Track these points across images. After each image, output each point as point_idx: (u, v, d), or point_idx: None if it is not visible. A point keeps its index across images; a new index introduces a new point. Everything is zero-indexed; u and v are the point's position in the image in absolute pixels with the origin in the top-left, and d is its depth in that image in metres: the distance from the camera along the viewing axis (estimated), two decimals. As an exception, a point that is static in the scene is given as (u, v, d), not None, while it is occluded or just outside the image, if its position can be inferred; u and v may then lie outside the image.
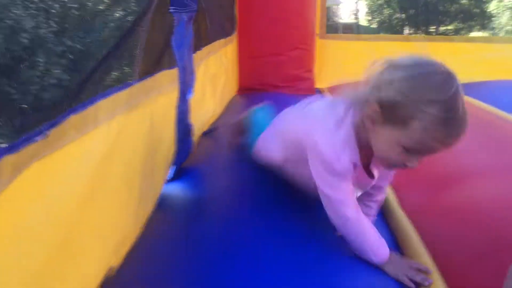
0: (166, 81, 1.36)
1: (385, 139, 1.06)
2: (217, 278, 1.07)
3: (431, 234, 1.42)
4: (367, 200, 1.33)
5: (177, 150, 1.51)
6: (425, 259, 1.32)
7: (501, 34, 11.92)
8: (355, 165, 1.13)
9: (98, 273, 1.02)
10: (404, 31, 14.55)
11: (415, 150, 1.03)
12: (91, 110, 0.94)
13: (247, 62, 3.53)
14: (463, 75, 3.63)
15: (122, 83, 1.10)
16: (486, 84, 3.33)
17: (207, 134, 2.25)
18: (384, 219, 1.62)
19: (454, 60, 3.72)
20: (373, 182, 1.25)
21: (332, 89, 3.86)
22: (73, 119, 0.87)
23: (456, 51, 3.68)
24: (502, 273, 0.99)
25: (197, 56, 1.86)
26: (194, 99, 1.83)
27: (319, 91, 3.85)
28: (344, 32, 12.87)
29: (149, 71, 1.25)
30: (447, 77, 1.01)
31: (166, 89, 1.37)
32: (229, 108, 2.99)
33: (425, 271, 1.14)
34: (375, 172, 1.22)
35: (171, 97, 1.43)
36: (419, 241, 1.42)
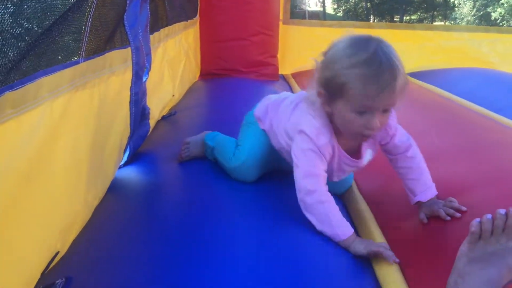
0: (118, 61, 1.31)
1: (340, 113, 1.18)
2: (169, 264, 1.04)
3: (385, 217, 1.44)
4: (404, 180, 1.35)
5: (131, 133, 1.46)
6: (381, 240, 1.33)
7: (463, 24, 12.21)
8: (333, 148, 1.25)
9: (41, 257, 0.97)
10: (369, 20, 14.69)
11: (362, 109, 1.13)
12: (31, 88, 0.88)
13: (210, 46, 3.47)
14: (424, 62, 3.70)
15: (67, 60, 1.05)
16: (445, 72, 3.39)
17: (166, 118, 2.20)
18: (344, 204, 1.63)
19: (415, 47, 3.78)
20: (363, 162, 1.34)
21: (296, 75, 3.85)
22: (10, 96, 0.81)
23: (418, 39, 3.73)
24: (452, 258, 1.00)
25: (154, 38, 1.80)
26: (151, 81, 1.78)
27: (283, 77, 3.84)
28: (310, 18, 12.88)
29: (98, 50, 1.19)
30: (366, 41, 1.14)
31: (118, 69, 1.31)
32: (190, 93, 2.94)
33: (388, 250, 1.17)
34: (366, 153, 1.33)
35: (124, 78, 1.37)
36: (375, 223, 1.43)
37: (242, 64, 3.47)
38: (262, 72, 3.52)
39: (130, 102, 1.36)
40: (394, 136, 1.33)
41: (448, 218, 1.23)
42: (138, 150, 1.68)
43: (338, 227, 1.19)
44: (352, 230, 1.20)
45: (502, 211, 0.92)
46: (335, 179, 1.36)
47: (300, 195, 1.22)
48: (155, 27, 1.81)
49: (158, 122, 2.13)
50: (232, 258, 1.04)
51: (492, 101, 2.51)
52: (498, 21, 11.89)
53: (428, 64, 3.64)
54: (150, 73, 1.69)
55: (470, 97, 2.63)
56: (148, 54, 1.58)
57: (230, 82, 3.27)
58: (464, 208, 1.23)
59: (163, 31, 1.98)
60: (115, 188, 1.43)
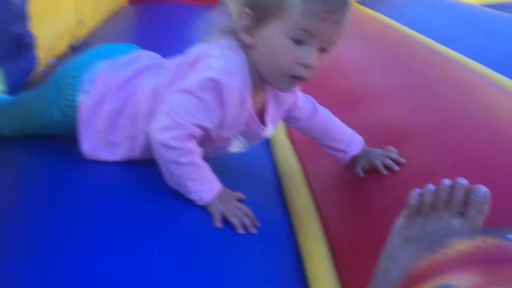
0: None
1: (269, 43, 0.91)
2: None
3: (315, 170, 1.26)
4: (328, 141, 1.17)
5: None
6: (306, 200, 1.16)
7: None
8: (242, 98, 0.95)
9: None
10: None
11: (302, 35, 0.87)
12: None
13: (139, -35, 3.08)
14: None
15: None
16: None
17: (76, 48, 1.89)
18: (269, 151, 1.45)
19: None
20: (266, 133, 1.07)
21: None
22: None
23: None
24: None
25: None
26: (40, 4, 1.46)
27: (224, 3, 3.50)
28: None
29: None
30: None
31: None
32: (113, 19, 2.60)
33: (252, 220, 0.96)
34: (269, 122, 1.06)
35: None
36: (302, 177, 1.26)
37: (177, -14, 3.12)
38: (201, -5, 3.18)
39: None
40: (297, 99, 1.13)
41: (385, 171, 1.05)
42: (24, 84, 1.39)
43: (196, 192, 0.94)
44: (213, 194, 0.95)
45: (448, 181, 0.73)
46: (233, 148, 1.08)
47: (156, 146, 0.92)
48: None
49: (65, 53, 1.82)
50: (105, 240, 0.82)
51: (440, 31, 2.34)
52: None
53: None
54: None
55: (418, 27, 2.44)
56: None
57: (163, 7, 2.95)
58: (402, 160, 1.06)
59: None
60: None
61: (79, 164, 1.05)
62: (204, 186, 0.94)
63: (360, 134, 1.15)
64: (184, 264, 0.81)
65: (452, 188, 0.73)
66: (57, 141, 1.12)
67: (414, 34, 2.37)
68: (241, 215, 0.93)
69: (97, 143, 1.04)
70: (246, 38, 0.93)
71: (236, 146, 1.08)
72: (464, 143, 1.08)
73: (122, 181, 1.00)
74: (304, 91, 1.33)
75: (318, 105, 1.17)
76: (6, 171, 1.05)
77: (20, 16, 1.25)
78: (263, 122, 1.04)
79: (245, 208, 0.95)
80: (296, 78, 0.92)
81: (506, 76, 1.74)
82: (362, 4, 3.29)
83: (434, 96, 1.35)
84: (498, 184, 0.89)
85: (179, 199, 0.95)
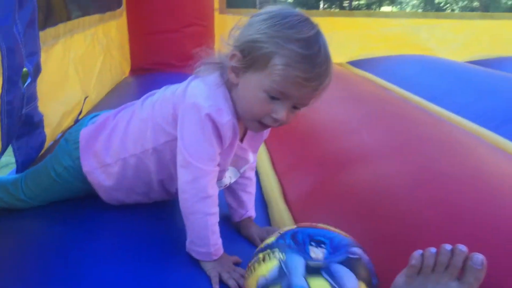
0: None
1: (248, 88, 0.98)
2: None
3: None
4: (241, 191, 1.24)
5: (3, 148, 1.23)
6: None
7: (408, 9, 12.33)
8: (234, 129, 1.02)
9: None
10: (319, 6, 14.61)
11: (278, 94, 0.95)
12: None
13: (139, 39, 3.26)
14: (365, 51, 3.59)
15: None
16: (383, 59, 3.32)
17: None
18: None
19: (356, 35, 3.63)
20: (250, 158, 1.16)
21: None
22: None
23: (358, 27, 3.63)
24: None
25: (48, 33, 1.58)
26: (47, 84, 1.57)
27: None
28: (261, 7, 12.61)
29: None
30: (307, 20, 0.96)
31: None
32: (116, 91, 2.72)
33: None
34: (247, 147, 1.15)
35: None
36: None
37: (176, 57, 3.26)
38: (198, 65, 3.33)
39: (0, 112, 1.15)
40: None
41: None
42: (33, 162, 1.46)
43: (214, 245, 1.01)
44: (219, 254, 1.02)
45: (448, 246, 0.78)
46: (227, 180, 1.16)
47: (190, 199, 0.99)
48: (47, 21, 1.59)
49: (69, 127, 1.91)
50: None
51: (427, 88, 2.45)
52: (441, 5, 12.08)
53: (369, 52, 3.57)
54: (44, 74, 1.47)
55: (406, 85, 2.57)
56: (35, 54, 1.37)
57: (162, 77, 3.05)
58: None
59: (62, 27, 1.75)
60: None
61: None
62: (219, 241, 1.02)
63: (347, 195, 1.22)
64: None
65: (452, 253, 0.77)
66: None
67: (403, 92, 2.48)
68: (237, 278, 0.98)
69: (94, 165, 1.16)
70: (232, 77, 1.00)
71: (228, 177, 1.15)
72: (453, 200, 1.12)
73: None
74: (295, 150, 1.40)
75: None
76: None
77: (31, 97, 1.35)
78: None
79: (241, 271, 1.00)
80: (264, 125, 1.01)
81: (490, 129, 1.82)
82: (352, 65, 3.45)
83: (417, 154, 1.41)
84: (495, 246, 0.94)
85: (171, 261, 1.02)
